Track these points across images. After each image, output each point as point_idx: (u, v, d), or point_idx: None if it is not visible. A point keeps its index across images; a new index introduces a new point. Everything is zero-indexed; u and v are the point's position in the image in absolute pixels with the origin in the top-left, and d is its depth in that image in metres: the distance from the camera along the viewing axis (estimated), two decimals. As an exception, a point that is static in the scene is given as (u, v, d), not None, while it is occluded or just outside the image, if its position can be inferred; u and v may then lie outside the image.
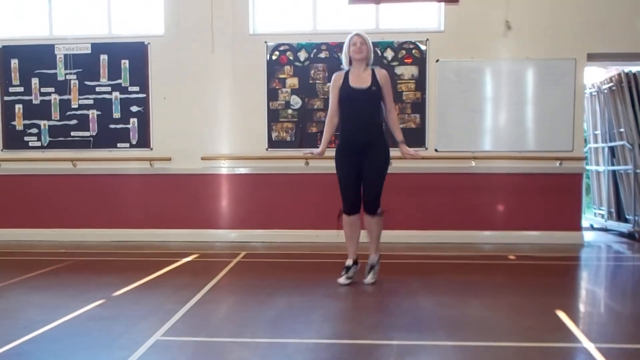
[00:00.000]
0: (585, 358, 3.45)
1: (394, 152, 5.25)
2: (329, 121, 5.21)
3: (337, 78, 5.13)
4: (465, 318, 4.20)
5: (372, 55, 5.19)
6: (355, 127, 5.00)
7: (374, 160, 5.01)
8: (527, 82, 7.53)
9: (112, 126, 7.89)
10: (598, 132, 9.06)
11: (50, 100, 7.95)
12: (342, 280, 5.12)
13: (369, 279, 5.15)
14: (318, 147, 5.37)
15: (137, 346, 3.51)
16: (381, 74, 5.11)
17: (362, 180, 5.06)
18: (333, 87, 5.13)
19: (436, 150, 7.54)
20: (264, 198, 7.74)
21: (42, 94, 7.96)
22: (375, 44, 7.19)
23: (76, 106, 7.93)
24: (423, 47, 7.58)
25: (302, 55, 7.67)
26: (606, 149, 8.78)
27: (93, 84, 7.90)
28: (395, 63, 7.59)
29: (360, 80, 5.02)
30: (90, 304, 4.49)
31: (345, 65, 5.17)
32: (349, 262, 5.18)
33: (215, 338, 3.78)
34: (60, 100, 7.94)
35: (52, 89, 7.94)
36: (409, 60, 7.61)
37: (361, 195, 5.11)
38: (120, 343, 3.62)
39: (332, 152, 5.27)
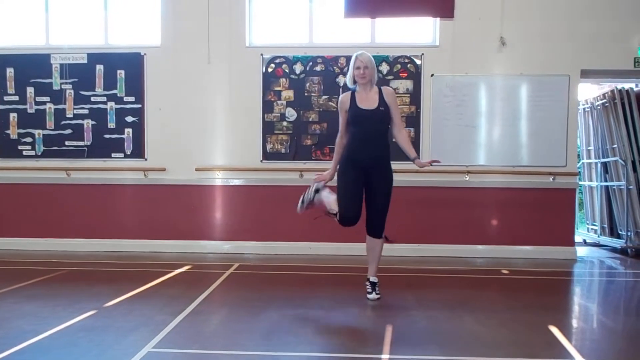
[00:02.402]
0: (578, 374, 3.46)
1: (402, 165, 5.21)
2: (338, 143, 5.12)
3: (344, 100, 5.06)
4: (458, 332, 4.20)
5: (377, 74, 5.14)
6: (364, 146, 4.94)
7: (382, 184, 4.97)
8: (521, 98, 7.58)
9: (106, 136, 7.89)
10: (591, 147, 9.10)
11: (45, 110, 7.94)
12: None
13: (374, 296, 5.07)
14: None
15: (128, 358, 3.49)
16: (388, 92, 5.07)
17: (367, 204, 4.99)
18: (341, 110, 5.07)
19: (430, 164, 7.54)
20: (257, 210, 7.73)
21: (37, 103, 7.95)
22: (370, 58, 7.26)
23: (71, 116, 7.92)
24: (418, 62, 7.63)
25: (298, 68, 7.70)
26: (599, 165, 8.82)
27: (88, 93, 7.90)
28: (390, 77, 7.63)
29: (368, 101, 4.97)
30: (82, 315, 4.46)
31: (349, 84, 5.08)
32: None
33: (207, 350, 3.76)
34: (55, 109, 7.93)
35: (47, 98, 7.94)
36: (404, 75, 7.65)
37: (361, 211, 5.00)
38: (111, 354, 3.60)
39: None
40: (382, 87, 5.09)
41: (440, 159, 5.31)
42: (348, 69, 5.13)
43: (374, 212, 5.01)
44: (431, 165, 5.23)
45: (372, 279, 5.14)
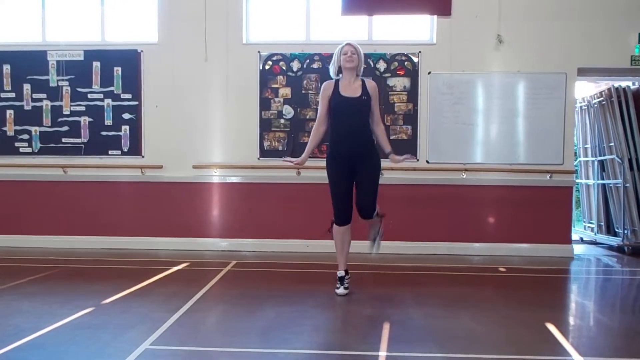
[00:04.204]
0: (574, 371, 3.47)
1: (385, 163, 5.28)
2: (315, 130, 5.18)
3: (327, 87, 5.11)
4: (455, 330, 4.21)
5: (363, 66, 5.17)
6: (347, 136, 4.98)
7: (368, 168, 5.02)
8: (518, 96, 7.58)
9: (103, 133, 7.87)
10: (588, 145, 9.12)
11: (41, 106, 7.92)
12: (341, 291, 5.11)
13: (376, 247, 5.21)
14: (311, 158, 5.34)
15: (126, 355, 3.49)
16: (371, 84, 5.12)
17: (356, 187, 5.05)
18: (322, 96, 5.11)
19: (427, 161, 7.56)
20: (255, 207, 7.72)
21: (33, 100, 7.93)
22: (367, 56, 7.27)
23: (68, 113, 7.90)
24: (415, 59, 7.63)
25: (295, 65, 7.70)
26: (596, 163, 8.83)
27: (85, 90, 7.88)
28: (387, 74, 7.63)
29: (351, 89, 5.02)
30: (79, 312, 4.46)
31: (333, 75, 5.15)
32: (341, 272, 5.18)
33: (205, 347, 3.76)
34: (51, 106, 7.91)
35: (43, 95, 7.92)
36: (401, 72, 7.64)
37: (353, 205, 5.10)
38: (108, 351, 3.60)
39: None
40: (365, 79, 5.14)
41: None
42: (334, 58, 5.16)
43: (360, 196, 5.04)
44: (401, 161, 5.25)
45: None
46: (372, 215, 5.10)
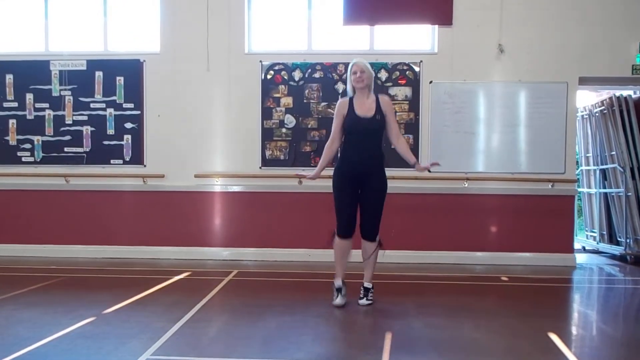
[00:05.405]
0: (577, 381, 3.45)
1: (391, 172, 5.27)
2: (328, 147, 5.19)
3: (342, 105, 5.12)
4: (457, 339, 4.20)
5: (374, 82, 5.21)
6: (359, 155, 5.01)
7: (375, 188, 5.03)
8: (519, 105, 7.59)
9: (105, 142, 7.89)
10: (590, 154, 9.11)
11: (44, 116, 7.94)
12: (339, 301, 5.08)
13: (365, 301, 5.10)
14: (312, 167, 5.36)
15: (127, 365, 3.49)
16: (384, 101, 5.13)
17: (360, 207, 5.06)
18: (337, 114, 5.12)
19: (429, 170, 7.51)
20: (256, 216, 7.72)
21: (36, 110, 7.95)
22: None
23: (70, 122, 7.92)
24: (417, 69, 7.64)
25: (297, 74, 7.72)
26: (598, 172, 8.83)
27: (87, 100, 7.90)
28: (389, 84, 7.64)
29: (365, 108, 5.03)
30: (81, 322, 4.45)
31: (350, 92, 5.16)
32: (339, 282, 5.16)
33: (206, 357, 3.75)
34: (54, 116, 7.93)
35: (46, 105, 7.94)
36: (403, 82, 7.66)
37: (356, 220, 5.09)
38: (110, 361, 3.59)
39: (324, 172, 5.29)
40: (379, 95, 5.15)
41: (439, 165, 5.35)
42: (347, 77, 5.21)
43: (365, 215, 5.07)
44: (430, 169, 5.34)
45: (366, 284, 5.17)
46: (374, 237, 5.09)
